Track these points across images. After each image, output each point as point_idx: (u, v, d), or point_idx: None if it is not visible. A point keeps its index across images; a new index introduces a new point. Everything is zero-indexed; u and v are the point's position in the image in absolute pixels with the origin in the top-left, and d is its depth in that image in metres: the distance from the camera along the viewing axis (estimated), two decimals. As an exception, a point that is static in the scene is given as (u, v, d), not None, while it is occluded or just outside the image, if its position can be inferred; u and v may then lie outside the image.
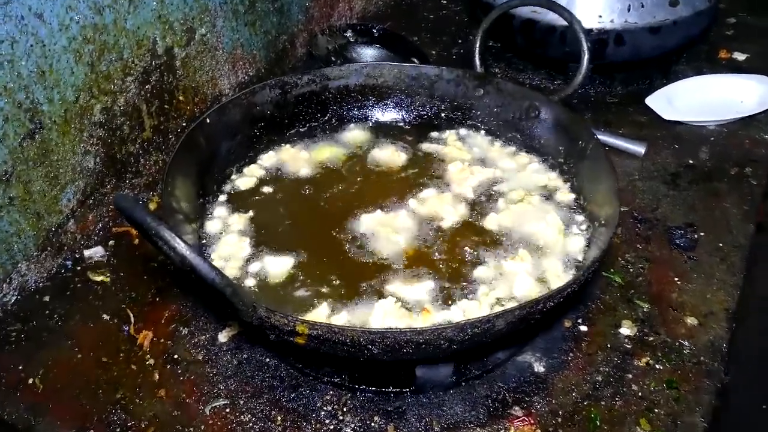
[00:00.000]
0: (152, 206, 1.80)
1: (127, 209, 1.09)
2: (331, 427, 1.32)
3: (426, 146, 1.82)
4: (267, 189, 1.68)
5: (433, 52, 2.51)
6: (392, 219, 1.59)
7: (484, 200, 1.65)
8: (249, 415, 1.33)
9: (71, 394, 1.39)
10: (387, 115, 1.89)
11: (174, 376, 1.42)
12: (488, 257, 1.49)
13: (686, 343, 1.46)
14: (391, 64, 1.88)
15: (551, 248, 1.50)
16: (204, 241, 1.53)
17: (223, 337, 1.48)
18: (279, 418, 1.33)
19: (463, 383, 1.39)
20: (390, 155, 1.79)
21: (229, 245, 1.52)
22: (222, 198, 1.65)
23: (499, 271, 1.46)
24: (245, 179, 1.70)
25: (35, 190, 1.54)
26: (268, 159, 1.76)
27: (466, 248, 1.52)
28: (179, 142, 1.53)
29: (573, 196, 1.62)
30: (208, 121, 1.62)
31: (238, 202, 1.64)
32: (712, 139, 2.03)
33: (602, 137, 1.95)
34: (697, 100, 2.16)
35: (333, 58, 2.30)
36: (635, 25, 2.06)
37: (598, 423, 1.32)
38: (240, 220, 1.58)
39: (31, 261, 1.59)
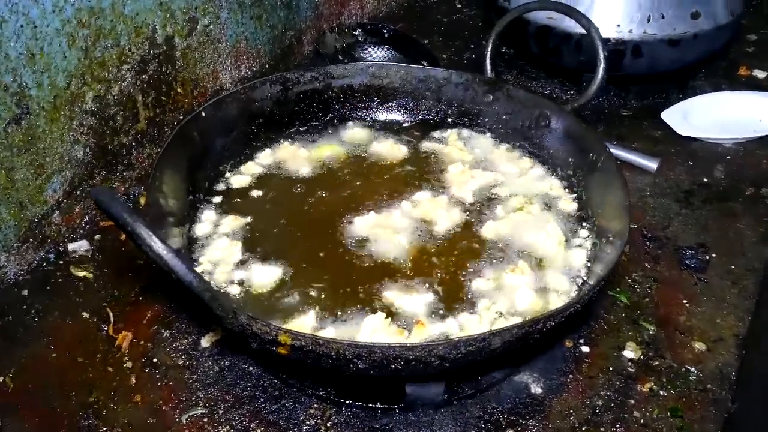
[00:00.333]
0: (143, 201, 1.73)
1: (103, 203, 1.02)
2: (314, 442, 1.26)
3: (426, 145, 1.77)
4: (263, 189, 1.63)
5: (444, 57, 2.47)
6: (389, 223, 1.53)
7: (482, 206, 1.60)
8: (227, 426, 1.27)
9: (42, 396, 1.32)
10: (391, 117, 1.83)
11: (152, 380, 1.35)
12: (487, 268, 1.44)
13: (693, 369, 1.39)
14: (397, 65, 1.83)
15: (551, 260, 1.45)
16: (194, 244, 1.47)
17: (205, 342, 1.42)
18: (259, 430, 1.27)
19: (455, 402, 1.32)
20: (389, 149, 1.75)
21: (219, 249, 1.46)
22: (214, 197, 1.59)
23: (499, 284, 1.40)
24: (240, 177, 1.65)
25: (19, 178, 1.48)
26: (266, 157, 1.71)
27: (464, 258, 1.46)
28: (171, 135, 1.48)
29: (576, 205, 1.57)
30: (203, 114, 1.56)
31: (232, 202, 1.58)
32: (728, 157, 1.97)
33: (614, 151, 1.89)
34: (713, 116, 2.10)
35: (340, 57, 2.25)
36: (654, 37, 2.01)
37: (596, 451, 1.25)
38: (233, 223, 1.52)
39: (11, 252, 1.52)
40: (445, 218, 1.55)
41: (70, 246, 1.62)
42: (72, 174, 1.59)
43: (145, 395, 1.32)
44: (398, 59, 2.30)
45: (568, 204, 1.58)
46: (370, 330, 1.27)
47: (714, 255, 1.65)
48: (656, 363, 1.40)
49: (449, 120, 1.81)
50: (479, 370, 1.35)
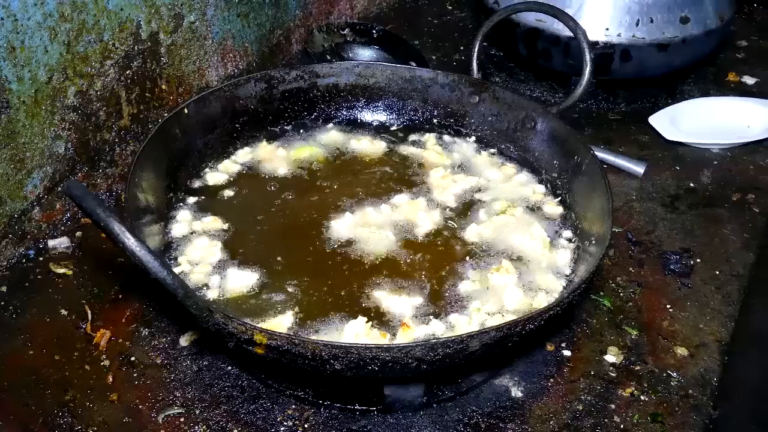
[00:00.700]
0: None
1: (77, 197, 1.01)
2: (291, 443, 1.25)
3: (405, 148, 1.76)
4: (241, 188, 1.61)
5: (434, 58, 2.46)
6: (370, 226, 1.52)
7: (465, 210, 1.59)
8: (204, 426, 1.26)
9: (18, 393, 1.31)
10: (377, 117, 1.82)
11: (129, 379, 1.34)
12: (471, 270, 1.43)
13: (674, 374, 1.39)
14: (384, 64, 1.82)
15: (537, 261, 1.44)
16: (172, 243, 1.46)
17: (184, 340, 1.41)
18: (236, 431, 1.25)
19: (435, 405, 1.31)
20: (370, 151, 1.75)
21: (199, 249, 1.44)
22: (193, 195, 1.57)
23: (485, 285, 1.39)
24: (218, 175, 1.63)
25: (-3, 173, 1.47)
26: (244, 155, 1.69)
27: (447, 260, 1.45)
28: (152, 132, 1.46)
29: (560, 208, 1.57)
30: (186, 111, 1.55)
31: (211, 201, 1.57)
32: (716, 163, 1.97)
33: (601, 155, 1.88)
34: (701, 122, 2.10)
35: (328, 57, 2.24)
36: (643, 41, 2.01)
37: (575, 456, 1.25)
38: (211, 223, 1.50)
39: (-10, 248, 1.51)
40: (427, 221, 1.54)
41: (51, 243, 1.60)
42: (53, 170, 1.58)
43: (121, 394, 1.31)
44: (387, 60, 2.29)
45: (552, 207, 1.57)
46: (353, 335, 1.25)
47: (699, 260, 1.64)
48: (638, 368, 1.39)
49: (435, 121, 1.80)
50: (460, 372, 1.34)
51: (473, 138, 1.76)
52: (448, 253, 1.47)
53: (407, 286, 1.38)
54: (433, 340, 1.08)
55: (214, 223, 1.50)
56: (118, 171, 1.75)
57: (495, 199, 1.60)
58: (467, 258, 1.46)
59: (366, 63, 1.89)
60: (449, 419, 1.29)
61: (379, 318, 1.31)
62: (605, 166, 1.87)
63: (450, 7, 2.87)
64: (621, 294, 1.55)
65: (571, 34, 1.75)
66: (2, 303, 1.47)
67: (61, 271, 1.55)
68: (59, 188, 1.60)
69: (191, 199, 1.56)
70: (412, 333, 1.28)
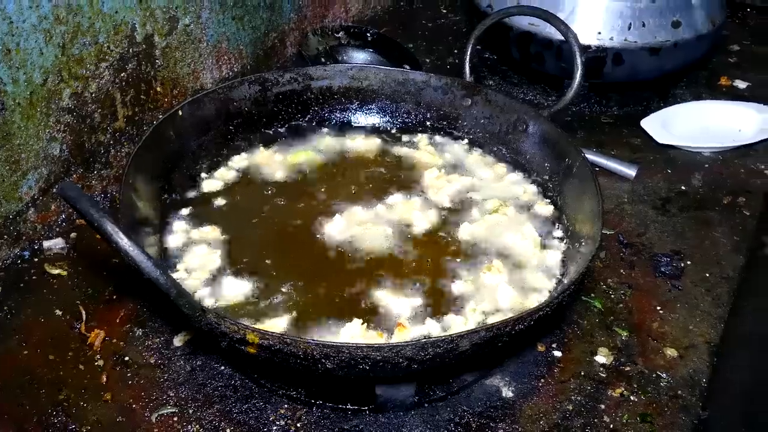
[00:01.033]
0: (120, 199, 1.73)
1: (71, 198, 1.02)
2: (283, 442, 1.26)
3: (399, 149, 1.78)
4: (238, 195, 1.62)
5: (428, 61, 2.47)
6: (366, 228, 1.53)
7: (458, 209, 1.60)
8: (197, 426, 1.26)
9: (12, 392, 1.31)
10: (370, 119, 1.83)
11: (123, 379, 1.34)
12: (465, 269, 1.44)
13: (664, 375, 1.39)
14: (377, 67, 1.83)
15: (528, 261, 1.46)
16: (169, 252, 1.46)
17: (178, 341, 1.41)
18: (228, 430, 1.26)
19: (426, 404, 1.32)
20: (364, 154, 1.76)
21: (198, 256, 1.44)
22: (190, 197, 1.58)
23: (477, 284, 1.40)
24: (214, 182, 1.63)
25: (-7, 174, 1.48)
26: (240, 161, 1.70)
27: (442, 259, 1.47)
28: (146, 133, 1.47)
29: (551, 209, 1.58)
30: (180, 113, 1.56)
31: (208, 206, 1.58)
32: (707, 166, 1.98)
33: (593, 157, 1.89)
34: (693, 125, 2.11)
35: (323, 59, 2.25)
36: (635, 45, 2.02)
37: (564, 455, 1.25)
38: (208, 231, 1.51)
39: (-15, 249, 1.52)
40: (422, 221, 1.55)
41: (46, 243, 1.61)
42: (48, 171, 1.58)
43: (115, 393, 1.32)
44: (381, 62, 2.31)
45: (543, 208, 1.58)
46: (349, 338, 1.26)
47: (689, 262, 1.65)
48: (628, 369, 1.40)
49: (428, 123, 1.81)
50: (451, 372, 1.35)
51: (466, 140, 1.77)
52: (442, 252, 1.48)
53: (403, 287, 1.39)
54: (424, 340, 1.09)
55: (210, 230, 1.50)
56: (113, 173, 1.76)
57: (487, 198, 1.62)
58: (461, 257, 1.47)
59: (359, 66, 1.91)
60: (440, 419, 1.29)
61: (375, 320, 1.32)
62: (597, 168, 1.88)
63: (444, 11, 2.89)
64: (612, 295, 1.56)
65: (563, 38, 1.77)
66: (-3, 303, 1.48)
67: (56, 271, 1.56)
68: (54, 190, 1.61)
69: (190, 201, 1.57)
70: (408, 333, 1.29)
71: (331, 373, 1.13)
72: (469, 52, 1.86)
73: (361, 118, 1.83)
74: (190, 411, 1.29)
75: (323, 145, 1.77)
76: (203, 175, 1.64)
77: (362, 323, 1.29)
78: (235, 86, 1.69)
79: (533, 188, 1.64)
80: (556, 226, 1.54)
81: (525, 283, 1.41)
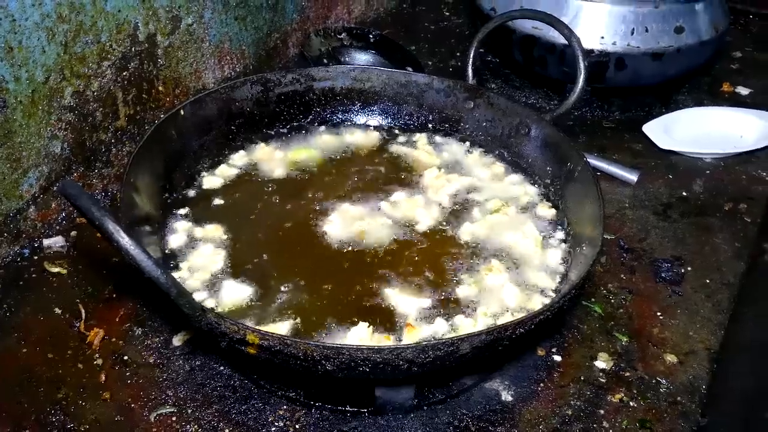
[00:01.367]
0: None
1: (72, 196, 1.02)
2: (281, 444, 1.26)
3: (397, 149, 1.78)
4: (238, 193, 1.61)
5: (430, 63, 2.47)
6: (367, 227, 1.53)
7: (459, 209, 1.60)
8: (195, 426, 1.26)
9: (10, 390, 1.31)
10: (372, 121, 1.83)
11: (121, 378, 1.34)
12: (467, 270, 1.44)
13: (664, 381, 1.39)
14: (380, 69, 1.82)
15: (530, 260, 1.46)
16: (170, 248, 1.45)
17: (177, 340, 1.41)
18: (227, 430, 1.26)
19: (425, 407, 1.31)
20: (366, 153, 1.76)
21: (203, 256, 1.44)
22: (191, 195, 1.58)
23: (481, 285, 1.40)
24: (215, 179, 1.63)
25: (-6, 171, 1.48)
26: (240, 158, 1.70)
27: (445, 260, 1.46)
28: (148, 132, 1.47)
29: (552, 212, 1.58)
30: (182, 113, 1.56)
31: (210, 204, 1.57)
32: (708, 172, 1.98)
33: (595, 162, 1.89)
34: (695, 131, 2.11)
35: (325, 61, 2.24)
36: (638, 50, 2.01)
37: (563, 460, 1.25)
38: (213, 227, 1.50)
39: (-15, 247, 1.52)
40: (424, 222, 1.55)
41: (46, 241, 1.61)
42: (49, 169, 1.58)
43: (114, 392, 1.31)
44: (383, 64, 2.30)
45: (545, 211, 1.58)
46: (356, 341, 1.26)
47: (690, 268, 1.65)
48: (627, 374, 1.40)
49: (430, 126, 1.81)
50: (450, 375, 1.34)
51: (467, 143, 1.77)
52: (446, 251, 1.48)
53: (410, 287, 1.39)
54: (424, 343, 1.09)
55: (215, 231, 1.49)
56: (113, 171, 1.75)
57: (488, 198, 1.62)
58: (464, 256, 1.47)
59: (362, 67, 1.90)
60: (439, 422, 1.29)
61: (382, 322, 1.31)
62: (599, 173, 1.88)
63: (447, 13, 2.88)
64: (612, 300, 1.56)
65: (567, 42, 1.77)
66: (-4, 301, 1.48)
67: (56, 270, 1.55)
68: (55, 188, 1.60)
69: (192, 201, 1.57)
70: (417, 333, 1.29)
71: (331, 375, 1.13)
72: (472, 55, 1.86)
73: (363, 120, 1.83)
74: (189, 411, 1.29)
75: (324, 143, 1.77)
76: (204, 173, 1.63)
77: (368, 326, 1.28)
78: (238, 86, 1.68)
79: (534, 189, 1.64)
80: (558, 229, 1.54)
81: (527, 283, 1.41)
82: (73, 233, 1.65)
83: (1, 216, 1.52)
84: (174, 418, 1.27)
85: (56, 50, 1.51)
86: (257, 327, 1.22)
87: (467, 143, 1.77)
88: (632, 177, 1.90)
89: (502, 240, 1.51)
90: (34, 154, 1.53)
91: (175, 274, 1.37)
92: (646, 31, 2.01)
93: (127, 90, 1.72)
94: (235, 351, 1.15)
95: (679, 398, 1.36)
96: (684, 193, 1.89)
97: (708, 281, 1.62)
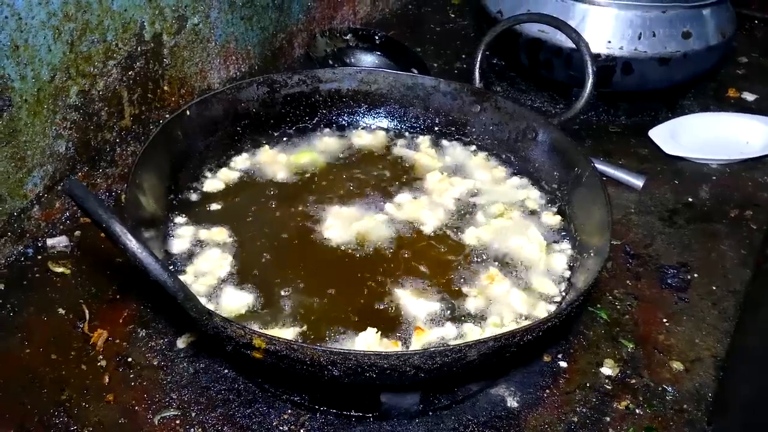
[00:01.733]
0: (124, 198, 1.72)
1: (78, 197, 1.01)
2: (286, 448, 1.25)
3: (397, 150, 1.77)
4: (239, 196, 1.60)
5: (435, 65, 2.46)
6: (372, 230, 1.53)
7: (463, 213, 1.60)
8: (199, 429, 1.25)
9: (14, 391, 1.30)
10: (378, 123, 1.82)
11: (125, 380, 1.34)
12: (472, 275, 1.43)
13: (670, 388, 1.39)
14: (386, 71, 1.82)
15: (535, 265, 1.46)
16: (174, 251, 1.45)
17: (181, 342, 1.40)
18: (231, 434, 1.25)
19: (431, 413, 1.31)
20: (369, 155, 1.76)
21: (208, 260, 1.43)
22: (196, 197, 1.57)
23: (486, 294, 1.39)
24: (218, 182, 1.62)
25: (-2, 171, 1.47)
26: (242, 161, 1.69)
27: (451, 263, 1.46)
28: (154, 133, 1.46)
29: (558, 218, 1.57)
30: (188, 113, 1.55)
31: (214, 207, 1.56)
32: (714, 178, 1.97)
33: (600, 167, 1.89)
34: (701, 136, 2.10)
35: (331, 62, 2.24)
36: (645, 54, 2.01)
37: (569, 468, 1.24)
38: (218, 230, 1.49)
39: (-12, 246, 1.51)
40: (428, 225, 1.55)
41: (50, 241, 1.60)
42: (53, 168, 1.57)
43: (117, 395, 1.31)
44: (389, 65, 2.29)
45: (550, 217, 1.58)
46: (364, 347, 1.25)
47: (696, 275, 1.64)
48: (633, 381, 1.39)
49: (436, 129, 1.80)
50: (456, 381, 1.34)
51: (474, 147, 1.76)
52: (451, 255, 1.48)
53: (417, 290, 1.39)
54: (432, 349, 1.09)
55: (219, 234, 1.48)
56: (118, 171, 1.75)
57: (492, 202, 1.62)
58: (469, 260, 1.47)
59: (368, 69, 1.90)
60: (445, 427, 1.29)
61: (390, 327, 1.31)
62: (604, 178, 1.87)
63: (453, 15, 2.88)
64: (618, 307, 1.55)
65: (573, 46, 1.76)
66: (0, 301, 1.47)
67: (60, 270, 1.55)
68: (59, 187, 1.60)
69: (196, 203, 1.56)
70: (426, 336, 1.28)
71: (337, 380, 1.12)
72: (479, 58, 1.85)
73: (369, 122, 1.82)
74: (193, 414, 1.28)
75: (328, 146, 1.77)
76: (208, 175, 1.63)
77: (377, 332, 1.27)
78: (244, 87, 1.68)
79: (539, 194, 1.64)
80: (563, 234, 1.53)
81: (532, 289, 1.41)
82: (77, 233, 1.64)
83: (6, 215, 1.51)
84: (178, 421, 1.27)
85: (62, 49, 1.51)
86: (263, 331, 1.22)
87: (473, 147, 1.77)
88: (638, 182, 1.90)
89: (508, 244, 1.50)
90: (38, 153, 1.53)
91: (182, 277, 1.37)
92: (654, 35, 2.00)
93: (132, 89, 1.71)
94: (240, 355, 1.14)
95: (685, 406, 1.35)
96: (690, 199, 1.88)
97: (714, 288, 1.61)
